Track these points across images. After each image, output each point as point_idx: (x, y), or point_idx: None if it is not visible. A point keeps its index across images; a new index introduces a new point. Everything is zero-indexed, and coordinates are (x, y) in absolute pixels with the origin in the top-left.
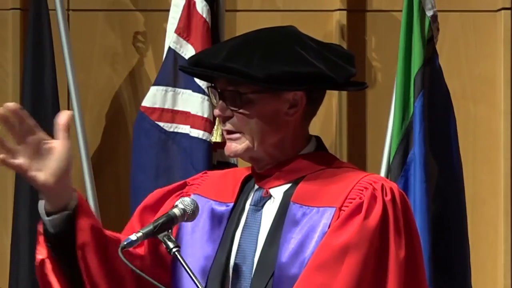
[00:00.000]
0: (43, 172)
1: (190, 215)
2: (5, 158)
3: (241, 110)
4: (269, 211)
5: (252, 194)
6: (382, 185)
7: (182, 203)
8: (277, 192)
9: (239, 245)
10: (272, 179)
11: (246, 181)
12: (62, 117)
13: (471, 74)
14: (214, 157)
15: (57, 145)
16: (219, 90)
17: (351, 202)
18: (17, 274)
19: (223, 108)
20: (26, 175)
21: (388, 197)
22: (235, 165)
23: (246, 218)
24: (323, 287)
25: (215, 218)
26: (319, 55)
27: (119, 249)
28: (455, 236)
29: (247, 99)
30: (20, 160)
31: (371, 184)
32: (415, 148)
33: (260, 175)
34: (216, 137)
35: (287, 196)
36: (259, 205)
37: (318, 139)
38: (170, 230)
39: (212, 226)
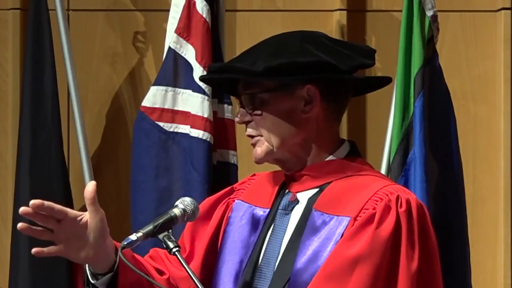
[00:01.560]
0: (82, 250)
1: (190, 215)
2: (38, 251)
3: (257, 112)
4: (295, 216)
5: (283, 198)
6: (398, 196)
7: (182, 203)
8: (304, 197)
9: (266, 249)
10: (299, 183)
11: (284, 184)
12: (88, 190)
13: (471, 74)
14: (214, 157)
15: (89, 219)
16: (239, 97)
17: (365, 213)
18: (17, 274)
19: (242, 114)
20: (67, 256)
21: (402, 209)
22: (235, 165)
23: (275, 222)
24: None
25: (254, 223)
26: (330, 50)
27: (119, 249)
28: (455, 236)
29: (261, 99)
30: (56, 247)
31: (387, 195)
32: (415, 148)
33: (289, 177)
34: None
35: (311, 202)
36: (287, 209)
37: (352, 144)
38: (170, 230)
39: (250, 231)
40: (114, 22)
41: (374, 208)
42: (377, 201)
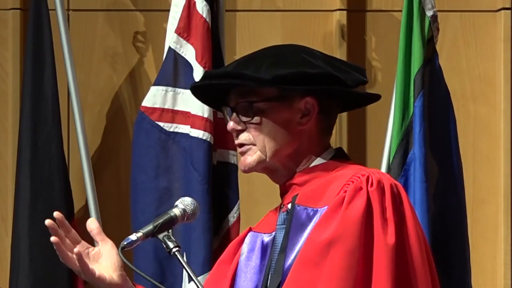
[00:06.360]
0: (105, 272)
1: (191, 215)
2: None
3: (253, 121)
4: None
5: (280, 214)
6: (368, 176)
7: (182, 203)
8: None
9: (271, 264)
10: (289, 194)
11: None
12: (91, 226)
13: (471, 74)
14: (214, 157)
15: (102, 248)
16: (231, 106)
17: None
18: (17, 274)
19: (236, 122)
20: (94, 276)
21: (373, 187)
22: (235, 165)
23: (276, 237)
24: (311, 282)
25: (264, 248)
26: (328, 62)
27: (119, 249)
28: (455, 236)
29: (259, 108)
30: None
31: (358, 177)
32: (415, 148)
33: (281, 191)
34: None
35: (293, 200)
36: (285, 223)
37: (339, 149)
38: (170, 230)
39: (261, 257)
40: (114, 22)
41: (345, 192)
42: (348, 185)
